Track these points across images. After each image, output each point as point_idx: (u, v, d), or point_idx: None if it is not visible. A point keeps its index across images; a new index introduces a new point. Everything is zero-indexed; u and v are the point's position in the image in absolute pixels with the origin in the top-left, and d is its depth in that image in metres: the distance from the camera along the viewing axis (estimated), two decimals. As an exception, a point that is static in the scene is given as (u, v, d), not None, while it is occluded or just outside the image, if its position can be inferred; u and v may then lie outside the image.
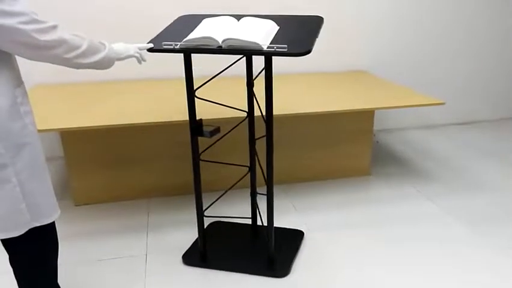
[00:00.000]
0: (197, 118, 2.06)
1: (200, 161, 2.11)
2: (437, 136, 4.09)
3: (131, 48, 1.79)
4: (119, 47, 1.73)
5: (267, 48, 1.74)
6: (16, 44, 1.30)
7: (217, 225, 2.54)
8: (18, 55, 1.37)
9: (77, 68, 1.51)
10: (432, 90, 4.14)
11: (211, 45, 1.80)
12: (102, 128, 2.57)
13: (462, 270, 2.19)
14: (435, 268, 2.21)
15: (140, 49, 1.85)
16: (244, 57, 2.13)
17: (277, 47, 1.72)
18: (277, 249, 2.26)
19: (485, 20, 4.15)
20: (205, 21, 1.98)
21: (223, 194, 2.36)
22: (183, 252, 2.30)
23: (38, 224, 1.51)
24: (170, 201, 2.88)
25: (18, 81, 1.43)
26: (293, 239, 2.41)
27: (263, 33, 1.81)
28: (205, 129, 2.04)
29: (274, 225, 2.51)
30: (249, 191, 2.38)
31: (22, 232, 1.48)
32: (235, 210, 2.75)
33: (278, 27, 1.90)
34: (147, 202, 2.87)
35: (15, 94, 1.39)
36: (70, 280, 2.11)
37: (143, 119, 2.44)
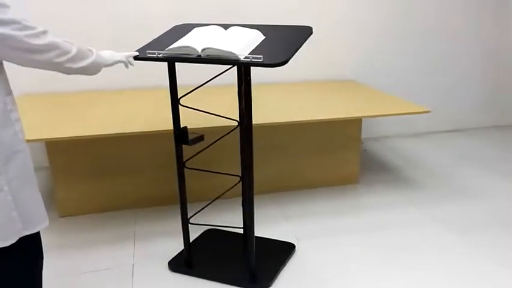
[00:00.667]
0: (184, 126, 2.06)
1: (189, 170, 2.09)
2: (424, 144, 4.12)
3: (118, 55, 1.83)
4: (106, 53, 1.76)
5: (244, 58, 1.74)
6: (10, 50, 1.32)
7: (211, 233, 2.52)
8: (11, 61, 1.38)
9: (67, 73, 1.53)
10: (418, 98, 4.18)
11: (191, 55, 1.83)
12: (88, 138, 2.55)
13: (451, 277, 2.19)
14: (424, 275, 2.21)
15: (127, 57, 1.89)
16: (236, 67, 2.13)
17: (253, 58, 1.72)
18: (264, 261, 2.24)
19: (472, 28, 4.22)
20: (194, 30, 2.00)
21: (211, 202, 2.34)
22: (170, 259, 2.29)
23: (28, 233, 1.50)
24: (157, 211, 2.85)
25: (8, 89, 1.44)
26: (282, 251, 2.38)
27: (244, 43, 1.82)
28: (189, 137, 2.05)
29: (266, 236, 2.51)
30: (238, 199, 2.37)
31: (14, 241, 1.46)
32: (227, 219, 2.73)
33: (264, 37, 1.91)
34: (134, 212, 2.83)
35: (5, 101, 1.40)
36: (54, 293, 2.07)
37: (130, 128, 2.42)
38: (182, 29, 2.10)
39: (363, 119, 3.28)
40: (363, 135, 4.10)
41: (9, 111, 1.41)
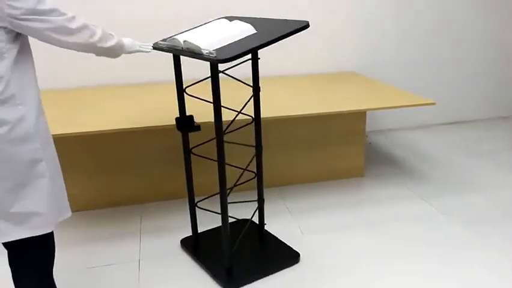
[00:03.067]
0: (189, 115, 2.14)
1: (197, 163, 2.11)
2: (429, 136, 4.10)
3: (137, 44, 1.95)
4: (127, 40, 1.88)
5: (206, 53, 1.76)
6: (52, 34, 1.47)
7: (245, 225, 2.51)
8: (50, 42, 1.51)
9: (98, 52, 1.69)
10: (422, 90, 4.15)
11: (178, 46, 1.93)
12: (93, 134, 2.55)
13: (458, 269, 2.19)
14: (431, 268, 2.21)
15: (145, 46, 2.01)
16: (250, 61, 2.10)
17: (209, 53, 1.75)
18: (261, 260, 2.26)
19: (475, 21, 4.18)
20: (207, 23, 2.09)
21: (229, 192, 2.32)
22: (178, 254, 2.30)
23: (63, 219, 1.58)
24: (163, 206, 2.85)
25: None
26: (283, 257, 2.28)
27: (220, 38, 1.85)
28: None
29: (278, 237, 2.49)
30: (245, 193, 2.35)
31: (53, 228, 1.54)
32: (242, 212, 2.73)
33: (254, 32, 1.90)
34: (140, 208, 2.84)
35: (38, 91, 1.52)
36: (63, 287, 2.08)
37: (135, 124, 2.42)
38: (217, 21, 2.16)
39: (367, 112, 3.27)
40: (367, 128, 4.09)
41: (41, 101, 1.52)
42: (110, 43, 1.70)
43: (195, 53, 1.82)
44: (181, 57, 2.05)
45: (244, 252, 2.28)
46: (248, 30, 1.90)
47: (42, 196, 1.47)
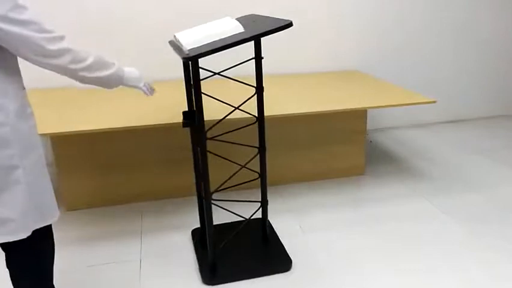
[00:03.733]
0: (193, 110, 2.11)
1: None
2: (430, 134, 4.10)
3: (142, 79, 1.83)
4: (131, 72, 1.75)
5: (187, 51, 1.79)
6: (24, 50, 1.33)
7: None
8: (26, 60, 1.38)
9: (82, 81, 1.53)
10: (423, 88, 4.15)
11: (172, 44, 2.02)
12: (93, 132, 2.55)
13: (458, 269, 2.19)
14: (432, 266, 2.21)
15: (149, 86, 1.90)
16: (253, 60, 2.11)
17: (188, 50, 1.78)
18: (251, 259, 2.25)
19: (476, 19, 4.17)
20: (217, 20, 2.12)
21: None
22: (179, 252, 2.29)
23: (44, 224, 1.53)
24: (164, 204, 2.85)
25: (22, 84, 1.47)
26: (276, 262, 2.25)
27: (201, 36, 1.84)
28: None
29: (280, 238, 2.50)
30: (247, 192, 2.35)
31: (29, 234, 1.48)
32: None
33: (242, 30, 1.89)
34: (140, 206, 2.84)
35: (21, 96, 1.43)
36: (63, 286, 2.08)
37: (135, 122, 2.42)
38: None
39: (368, 110, 3.27)
40: (368, 127, 4.09)
41: (24, 105, 1.44)
42: (99, 73, 1.53)
43: (179, 51, 1.88)
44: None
45: (238, 251, 2.30)
46: (235, 27, 1.90)
47: (15, 203, 1.42)
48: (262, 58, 2.02)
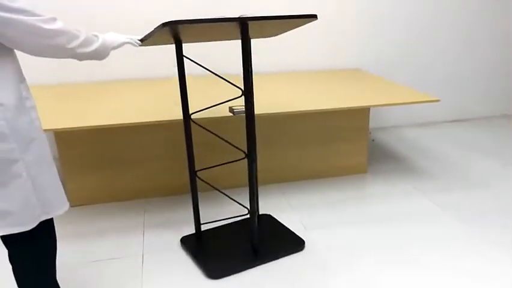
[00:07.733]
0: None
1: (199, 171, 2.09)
2: (432, 133, 4.10)
3: (122, 37, 1.81)
4: (110, 36, 1.74)
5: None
6: (23, 36, 1.33)
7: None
8: (27, 50, 1.39)
9: (81, 58, 1.55)
10: (426, 87, 4.15)
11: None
12: (97, 128, 2.56)
13: (460, 267, 2.19)
14: (433, 265, 2.21)
15: (131, 38, 1.87)
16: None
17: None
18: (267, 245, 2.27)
19: (480, 18, 4.17)
20: None
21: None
22: (181, 248, 2.31)
23: (48, 217, 1.54)
24: (166, 201, 2.86)
25: (21, 77, 1.46)
26: (291, 242, 2.34)
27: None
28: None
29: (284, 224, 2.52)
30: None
31: (33, 226, 1.49)
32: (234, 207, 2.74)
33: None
34: (143, 202, 2.85)
35: (20, 89, 1.43)
36: (66, 281, 2.09)
37: (138, 118, 2.42)
38: None
39: (370, 109, 3.27)
40: (371, 125, 4.09)
41: (24, 98, 1.45)
42: (94, 46, 1.57)
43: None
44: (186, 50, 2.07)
45: (237, 245, 2.32)
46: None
47: (15, 196, 1.43)
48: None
